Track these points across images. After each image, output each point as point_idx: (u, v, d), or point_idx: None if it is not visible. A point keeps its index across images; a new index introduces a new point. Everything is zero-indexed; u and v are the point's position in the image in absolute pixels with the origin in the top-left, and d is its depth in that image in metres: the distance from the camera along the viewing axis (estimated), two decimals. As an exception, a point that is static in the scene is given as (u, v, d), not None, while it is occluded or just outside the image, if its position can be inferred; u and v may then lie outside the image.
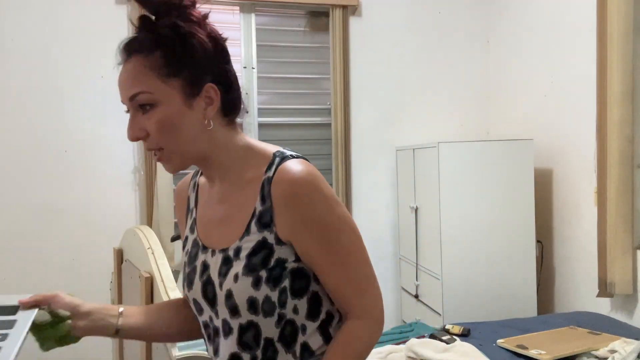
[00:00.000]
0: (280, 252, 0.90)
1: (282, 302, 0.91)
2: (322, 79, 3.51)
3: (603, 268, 2.55)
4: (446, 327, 2.43)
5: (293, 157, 0.93)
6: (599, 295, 2.60)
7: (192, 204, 1.06)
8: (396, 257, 3.59)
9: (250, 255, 0.90)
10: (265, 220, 0.90)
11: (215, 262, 0.94)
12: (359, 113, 3.49)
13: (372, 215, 3.56)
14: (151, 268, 1.60)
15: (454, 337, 2.31)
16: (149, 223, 3.07)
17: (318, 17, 3.51)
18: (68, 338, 0.98)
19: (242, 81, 3.38)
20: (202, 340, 1.06)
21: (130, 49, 0.88)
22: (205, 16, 0.91)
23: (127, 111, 0.91)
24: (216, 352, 0.97)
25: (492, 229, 2.91)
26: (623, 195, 2.48)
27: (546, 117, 3.15)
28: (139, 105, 0.88)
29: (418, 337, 2.30)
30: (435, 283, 2.94)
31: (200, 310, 0.98)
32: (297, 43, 3.48)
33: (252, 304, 0.89)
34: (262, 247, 0.90)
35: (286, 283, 0.90)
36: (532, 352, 2.08)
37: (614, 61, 2.46)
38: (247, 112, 0.96)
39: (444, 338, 2.27)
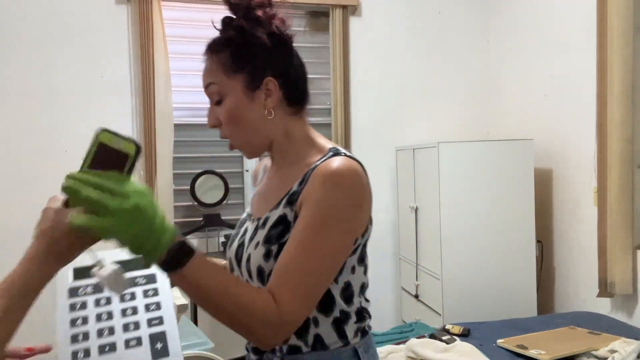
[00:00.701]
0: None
1: None
2: (322, 79, 3.51)
3: (603, 268, 2.55)
4: (446, 327, 2.43)
5: (346, 155, 0.98)
6: (599, 295, 2.60)
7: (258, 181, 1.19)
8: (396, 257, 3.59)
9: (272, 227, 0.97)
10: (292, 199, 0.96)
11: (250, 228, 1.04)
12: (359, 113, 3.49)
13: (372, 215, 3.55)
14: (151, 268, 1.60)
15: (454, 337, 2.31)
16: (149, 223, 3.07)
17: (318, 17, 3.51)
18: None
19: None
20: (202, 340, 1.08)
21: (209, 47, 1.01)
22: (271, 16, 1.00)
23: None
24: None
25: (492, 229, 2.91)
26: (623, 195, 2.48)
27: (546, 117, 3.15)
28: (210, 96, 1.00)
29: (418, 337, 2.30)
30: (435, 283, 2.94)
31: (232, 270, 1.06)
32: (297, 43, 3.47)
33: (259, 273, 0.96)
34: (282, 222, 0.96)
35: None
36: (532, 352, 2.08)
37: (614, 61, 2.46)
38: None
39: (444, 338, 2.27)
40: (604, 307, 2.68)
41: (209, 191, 3.23)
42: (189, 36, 3.30)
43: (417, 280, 3.20)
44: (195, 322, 3.07)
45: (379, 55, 3.54)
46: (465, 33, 3.71)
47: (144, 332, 0.81)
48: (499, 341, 2.24)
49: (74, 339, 0.78)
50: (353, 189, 0.92)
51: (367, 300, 1.05)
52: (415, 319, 3.09)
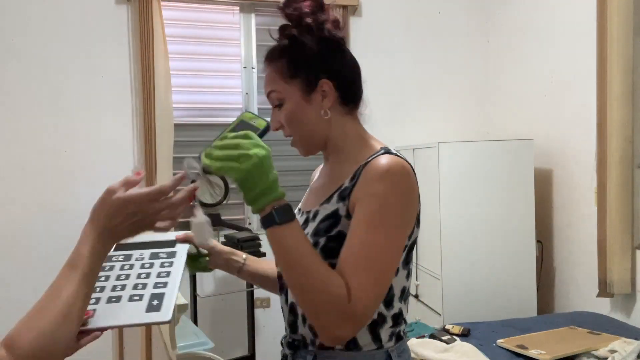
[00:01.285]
0: (344, 225, 0.97)
1: None
2: (322, 79, 3.51)
3: (603, 268, 2.55)
4: (446, 327, 2.43)
5: (397, 155, 1.01)
6: (599, 295, 2.60)
7: (313, 181, 1.24)
8: (396, 257, 3.59)
9: (322, 220, 1.01)
10: (344, 194, 1.00)
11: (300, 220, 1.08)
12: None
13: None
14: (151, 268, 1.60)
15: (454, 337, 2.31)
16: (149, 223, 3.07)
17: (318, 17, 3.51)
18: (204, 269, 1.21)
19: (242, 81, 3.38)
20: (202, 340, 1.09)
21: (267, 57, 1.08)
22: (322, 21, 1.04)
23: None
24: (285, 301, 1.09)
25: (492, 229, 2.91)
26: (623, 195, 2.48)
27: (546, 117, 3.15)
28: (271, 102, 1.07)
29: (418, 337, 2.30)
30: (435, 283, 2.94)
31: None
32: (297, 43, 3.48)
33: None
34: (332, 216, 1.00)
35: (335, 261, 0.94)
36: (532, 352, 2.08)
37: (614, 61, 2.46)
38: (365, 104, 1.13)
39: (444, 338, 2.27)
40: (604, 307, 2.68)
41: (209, 191, 3.22)
42: (189, 36, 3.30)
43: (417, 280, 3.20)
44: (196, 322, 3.07)
45: (378, 55, 3.54)
46: (465, 33, 3.71)
47: (148, 291, 0.94)
48: (499, 341, 2.24)
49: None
50: (402, 186, 0.96)
51: (405, 305, 1.06)
52: (415, 319, 3.09)
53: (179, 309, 1.42)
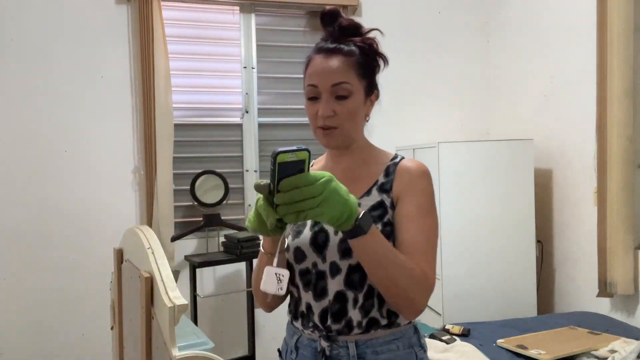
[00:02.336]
0: (390, 215, 1.12)
1: None
2: (322, 79, 3.51)
3: (603, 268, 2.55)
4: (446, 327, 2.43)
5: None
6: (599, 295, 2.60)
7: None
8: (396, 257, 3.59)
9: (370, 210, 1.12)
10: (385, 188, 1.15)
11: None
12: (359, 113, 3.48)
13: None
14: (151, 268, 1.60)
15: (454, 337, 2.31)
16: (149, 223, 3.07)
17: (318, 17, 3.51)
18: (277, 231, 1.00)
19: (242, 81, 3.38)
20: (202, 340, 1.09)
21: (333, 50, 1.14)
22: (374, 39, 1.21)
23: (309, 99, 1.15)
24: (321, 293, 1.14)
25: (492, 229, 2.91)
26: (623, 195, 2.48)
27: (546, 117, 3.15)
28: (337, 92, 1.12)
29: (418, 337, 2.30)
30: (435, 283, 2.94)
31: (302, 258, 1.16)
32: (297, 43, 3.48)
33: None
34: (380, 206, 1.13)
35: (390, 243, 1.06)
36: (532, 352, 2.08)
37: (614, 61, 2.46)
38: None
39: (444, 338, 2.27)
40: (604, 307, 2.68)
41: (209, 191, 3.23)
42: (189, 36, 3.30)
43: (417, 280, 3.20)
44: (196, 322, 3.08)
45: (379, 55, 3.53)
46: (465, 33, 3.71)
47: None
48: (499, 341, 2.24)
49: None
50: (432, 182, 1.17)
51: None
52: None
53: (179, 309, 1.41)
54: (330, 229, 1.13)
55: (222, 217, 3.21)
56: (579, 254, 2.88)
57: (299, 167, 0.90)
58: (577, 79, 2.88)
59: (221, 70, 3.38)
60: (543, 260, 3.12)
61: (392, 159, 1.20)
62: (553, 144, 3.08)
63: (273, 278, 0.99)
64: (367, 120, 1.21)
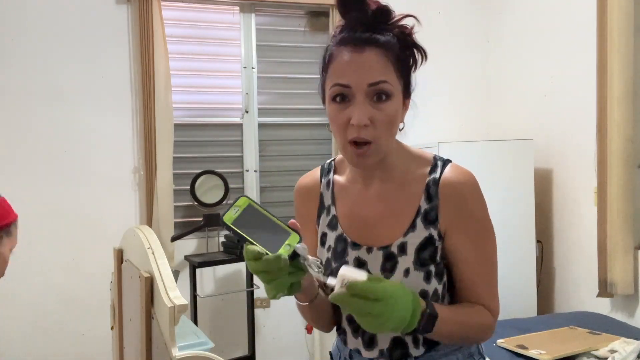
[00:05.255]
0: (441, 248, 1.00)
1: (442, 296, 1.02)
2: (322, 79, 3.50)
3: (603, 268, 2.55)
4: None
5: (450, 161, 1.04)
6: (599, 295, 2.60)
7: (327, 201, 1.10)
8: (396, 257, 3.59)
9: (419, 250, 0.98)
10: (431, 218, 0.98)
11: (374, 258, 1.01)
12: (359, 113, 3.48)
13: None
14: (151, 268, 1.60)
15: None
16: (149, 223, 3.07)
17: (318, 17, 3.51)
18: (296, 288, 0.91)
19: (242, 81, 3.38)
20: (202, 340, 1.08)
21: (366, 41, 0.91)
22: (410, 29, 0.97)
23: (337, 98, 0.93)
24: (371, 343, 1.03)
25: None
26: (623, 195, 2.48)
27: (546, 117, 3.14)
28: (375, 94, 0.92)
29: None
30: (435, 283, 2.94)
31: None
32: (297, 43, 3.48)
33: (423, 296, 0.96)
34: (429, 243, 0.98)
35: (445, 278, 1.02)
36: (532, 352, 2.08)
37: (614, 61, 2.46)
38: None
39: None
40: (604, 307, 2.68)
41: (209, 191, 3.23)
42: (189, 36, 3.30)
43: (417, 280, 3.20)
44: (196, 322, 3.07)
45: (379, 55, 3.53)
46: (465, 33, 3.71)
47: None
48: (499, 341, 2.24)
49: None
50: (482, 194, 1.03)
51: None
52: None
53: (179, 309, 1.41)
54: (376, 270, 1.01)
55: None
56: (579, 254, 2.88)
57: (252, 213, 0.87)
58: (577, 79, 2.88)
59: (221, 70, 3.37)
60: (543, 260, 3.12)
61: (431, 171, 1.01)
62: (553, 144, 3.08)
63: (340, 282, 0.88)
64: (401, 129, 1.01)
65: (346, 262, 1.03)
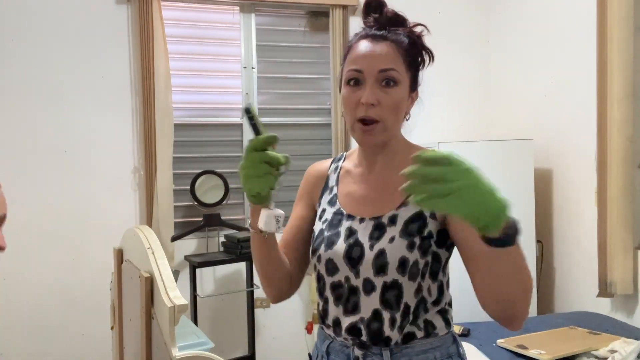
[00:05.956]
0: (431, 226, 1.04)
1: (423, 274, 1.04)
2: (322, 79, 3.51)
3: (603, 268, 2.55)
4: (446, 327, 2.43)
5: None
6: (599, 295, 2.60)
7: (332, 183, 1.21)
8: (396, 257, 3.59)
9: (408, 222, 1.05)
10: None
11: (364, 227, 1.08)
12: (359, 113, 3.48)
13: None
14: (151, 268, 1.60)
15: (454, 337, 2.30)
16: (149, 223, 3.07)
17: (318, 17, 3.51)
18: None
19: (242, 81, 3.38)
20: (202, 340, 1.08)
21: (381, 37, 1.08)
22: (420, 34, 1.14)
23: (351, 82, 1.06)
24: (354, 309, 1.07)
25: (492, 229, 2.90)
26: (623, 195, 2.48)
27: (546, 117, 3.15)
28: (384, 79, 1.05)
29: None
30: (435, 283, 2.94)
31: (334, 270, 1.09)
32: (297, 43, 3.48)
33: (402, 263, 1.02)
34: (418, 218, 1.05)
35: (429, 258, 1.05)
36: (532, 352, 2.08)
37: (614, 61, 2.46)
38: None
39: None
40: (604, 307, 2.68)
41: (209, 191, 3.23)
42: (189, 36, 3.30)
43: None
44: (196, 322, 3.08)
45: (379, 55, 3.53)
46: (465, 33, 3.71)
47: None
48: (499, 341, 2.24)
49: None
50: None
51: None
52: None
53: (179, 309, 1.41)
54: (365, 243, 1.06)
55: (222, 217, 3.21)
56: (579, 254, 2.88)
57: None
58: (577, 79, 2.88)
59: (221, 70, 3.37)
60: (543, 260, 3.12)
61: None
62: (553, 144, 3.08)
63: (272, 219, 1.00)
64: (407, 119, 1.14)
65: (338, 232, 1.10)
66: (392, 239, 1.04)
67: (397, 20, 1.12)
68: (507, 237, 0.81)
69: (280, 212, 1.01)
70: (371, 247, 1.05)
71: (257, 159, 0.94)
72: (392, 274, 1.03)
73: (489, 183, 0.81)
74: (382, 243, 1.04)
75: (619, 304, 2.63)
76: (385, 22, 1.11)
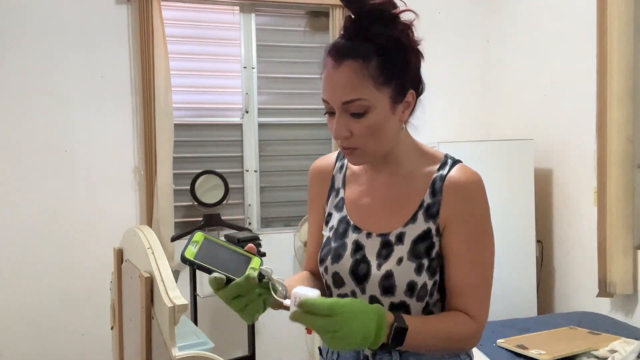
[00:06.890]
0: (438, 245, 1.00)
1: (432, 293, 1.01)
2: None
3: (603, 268, 2.55)
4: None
5: (461, 161, 1.06)
6: (599, 295, 2.60)
7: (337, 184, 1.14)
8: (396, 257, 3.59)
9: (415, 242, 1.00)
10: (432, 212, 1.00)
11: (371, 244, 1.03)
12: (359, 113, 3.48)
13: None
14: (151, 268, 1.60)
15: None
16: (149, 223, 3.07)
17: (318, 17, 3.51)
18: (267, 306, 0.93)
19: (242, 81, 3.37)
20: (202, 340, 1.07)
21: (345, 53, 0.94)
22: (409, 25, 0.96)
23: (327, 112, 0.99)
24: None
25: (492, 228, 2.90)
26: (623, 195, 2.48)
27: (546, 117, 3.15)
28: (350, 111, 0.95)
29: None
30: (435, 283, 2.94)
31: (340, 284, 1.06)
32: (297, 43, 3.48)
33: (410, 287, 0.99)
34: (426, 237, 1.00)
35: (437, 277, 1.01)
36: (532, 352, 2.08)
37: (614, 61, 2.46)
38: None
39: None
40: (604, 307, 2.68)
41: (209, 191, 3.23)
42: (189, 36, 3.30)
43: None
44: (196, 322, 3.07)
45: (379, 55, 3.53)
46: (464, 33, 3.71)
47: None
48: (499, 341, 2.24)
49: None
50: (487, 198, 1.03)
51: None
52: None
53: (179, 309, 1.41)
54: (372, 261, 1.02)
55: (222, 217, 3.21)
56: (579, 254, 2.88)
57: (210, 245, 0.89)
58: (577, 79, 2.87)
59: (221, 70, 3.37)
60: (543, 260, 3.12)
61: (439, 168, 1.03)
62: (553, 144, 3.08)
63: (293, 305, 0.88)
64: (404, 129, 1.03)
65: (344, 245, 1.06)
66: (400, 260, 1.00)
67: (380, 16, 0.93)
68: (395, 343, 0.90)
69: (297, 292, 0.87)
70: (378, 267, 1.01)
71: (226, 297, 0.86)
72: (399, 296, 1.00)
73: (367, 315, 0.86)
74: (390, 264, 1.00)
75: (618, 304, 2.63)
76: (354, 27, 0.95)
